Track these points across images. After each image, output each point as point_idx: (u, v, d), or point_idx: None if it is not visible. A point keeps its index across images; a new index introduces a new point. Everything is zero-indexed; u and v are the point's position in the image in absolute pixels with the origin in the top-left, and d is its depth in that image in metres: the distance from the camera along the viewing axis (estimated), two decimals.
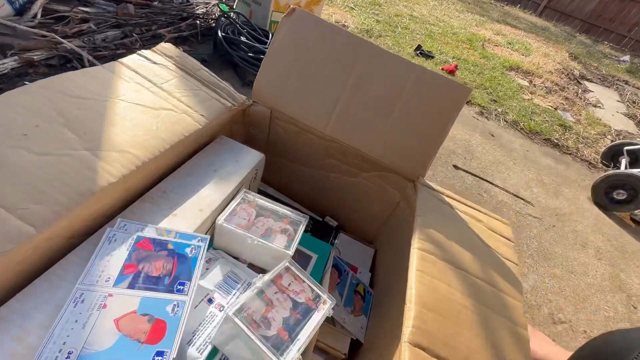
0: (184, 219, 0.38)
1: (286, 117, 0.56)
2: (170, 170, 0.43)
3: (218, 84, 0.53)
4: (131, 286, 0.30)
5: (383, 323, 0.50)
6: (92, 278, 0.29)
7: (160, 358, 0.27)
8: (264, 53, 1.40)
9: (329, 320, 0.50)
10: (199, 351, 0.30)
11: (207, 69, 0.54)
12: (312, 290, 0.35)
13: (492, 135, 1.61)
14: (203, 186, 0.42)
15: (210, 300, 0.35)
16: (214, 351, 0.31)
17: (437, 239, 0.43)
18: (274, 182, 0.67)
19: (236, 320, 0.27)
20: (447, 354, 0.32)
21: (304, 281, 0.36)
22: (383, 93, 0.51)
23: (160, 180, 0.41)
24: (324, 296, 0.35)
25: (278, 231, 0.41)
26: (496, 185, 1.27)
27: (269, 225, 0.41)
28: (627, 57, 4.33)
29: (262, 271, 0.40)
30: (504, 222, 0.49)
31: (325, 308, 0.34)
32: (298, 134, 0.58)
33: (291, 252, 0.39)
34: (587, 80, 3.21)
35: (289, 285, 0.34)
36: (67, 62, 1.06)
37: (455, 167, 1.27)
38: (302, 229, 0.43)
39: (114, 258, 0.31)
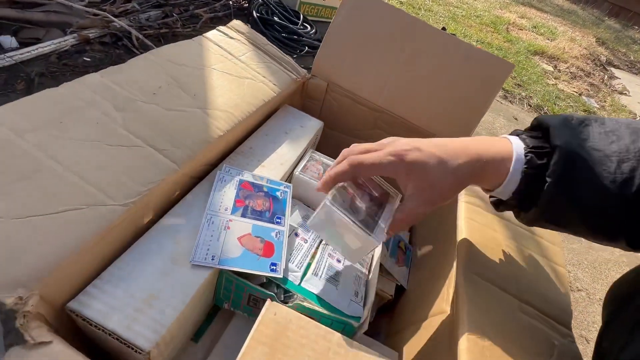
0: (270, 169, 0.45)
1: (341, 90, 0.62)
2: (252, 130, 0.50)
3: (283, 58, 0.59)
4: (243, 215, 0.38)
5: (422, 274, 0.57)
6: (215, 207, 0.37)
7: (274, 267, 0.35)
8: (296, 33, 1.45)
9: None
10: (298, 267, 0.38)
11: (273, 45, 0.60)
12: (382, 187, 0.41)
13: (516, 119, 1.64)
14: (279, 145, 0.50)
15: (296, 234, 0.42)
16: (308, 266, 0.38)
17: (481, 194, 0.49)
18: (322, 150, 0.74)
19: (333, 207, 0.32)
20: (495, 279, 0.38)
21: (373, 180, 0.41)
22: (432, 67, 0.57)
23: (245, 138, 0.49)
24: (391, 192, 0.41)
25: None
26: None
27: None
28: None
29: None
30: None
31: (396, 199, 0.39)
32: (351, 106, 0.64)
33: None
34: (614, 66, 3.13)
35: (363, 183, 0.40)
36: (118, 40, 1.13)
37: None
38: None
39: (226, 194, 0.39)
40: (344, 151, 0.35)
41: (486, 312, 0.35)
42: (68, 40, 1.03)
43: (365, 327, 0.35)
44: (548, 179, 0.29)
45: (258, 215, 0.39)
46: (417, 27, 0.57)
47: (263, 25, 1.39)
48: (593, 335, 0.79)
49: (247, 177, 0.42)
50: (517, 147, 0.31)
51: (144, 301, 0.28)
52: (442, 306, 0.42)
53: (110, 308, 0.27)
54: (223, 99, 0.45)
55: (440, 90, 0.58)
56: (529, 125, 0.35)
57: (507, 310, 0.37)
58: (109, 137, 0.34)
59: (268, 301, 0.33)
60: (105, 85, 0.37)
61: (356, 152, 0.33)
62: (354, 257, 0.37)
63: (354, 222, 0.32)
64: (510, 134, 0.34)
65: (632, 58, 3.47)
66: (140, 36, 1.13)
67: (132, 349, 0.26)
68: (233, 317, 0.40)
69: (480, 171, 0.32)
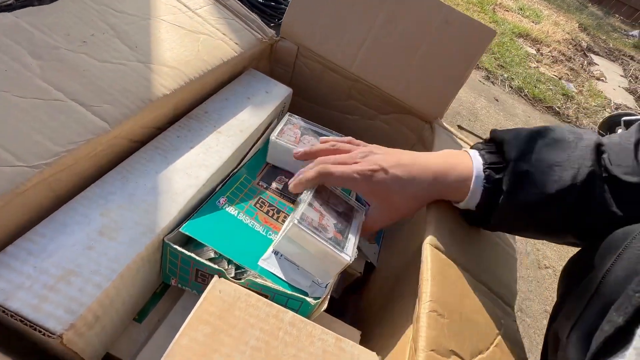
0: (227, 136, 0.41)
1: (313, 55, 0.57)
2: (210, 93, 0.45)
3: (248, 15, 0.53)
4: None
5: (393, 251, 0.55)
6: None
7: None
8: (275, 0, 1.35)
9: None
10: None
11: (237, 0, 0.54)
12: (347, 202, 0.39)
13: (497, 100, 1.63)
14: (240, 111, 0.45)
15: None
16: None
17: None
18: None
19: (301, 227, 0.31)
20: (457, 257, 0.37)
21: (338, 196, 0.40)
22: (410, 31, 0.53)
23: (200, 101, 0.44)
24: (355, 206, 0.39)
25: None
26: None
27: (313, 142, 0.45)
28: (636, 32, 4.24)
29: None
30: None
31: (361, 213, 0.39)
32: (323, 73, 0.59)
33: None
34: (594, 53, 3.18)
35: (328, 198, 0.38)
36: None
37: (460, 127, 1.30)
38: None
39: None
40: (320, 158, 0.38)
41: (447, 289, 0.34)
42: None
43: (324, 305, 0.32)
44: (504, 188, 0.33)
45: None
46: None
47: None
48: None
49: None
50: (476, 164, 0.35)
51: (59, 278, 0.24)
52: (411, 285, 0.40)
53: (14, 287, 0.23)
54: (171, 53, 0.39)
55: (418, 57, 0.54)
56: (488, 137, 0.39)
57: (466, 288, 0.36)
58: (20, 87, 0.28)
59: (215, 277, 0.29)
60: (20, 27, 0.31)
61: (330, 162, 0.37)
62: (325, 276, 0.35)
63: (324, 241, 0.32)
64: (471, 148, 0.38)
65: (611, 45, 3.52)
66: None
67: (42, 332, 0.22)
68: (182, 295, 0.36)
69: (443, 190, 0.36)
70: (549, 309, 0.81)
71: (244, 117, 0.44)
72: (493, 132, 0.37)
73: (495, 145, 0.36)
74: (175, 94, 0.37)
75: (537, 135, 0.34)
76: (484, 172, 0.34)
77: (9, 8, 0.84)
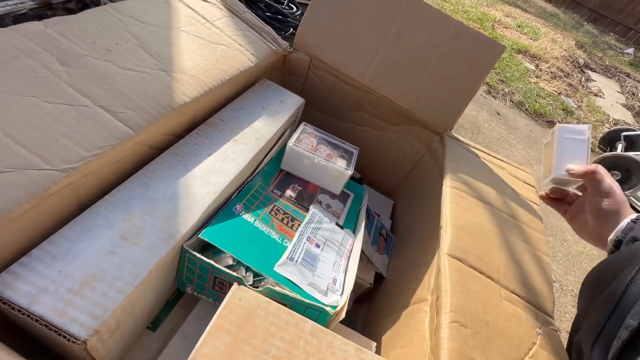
0: (243, 144, 0.41)
1: (325, 66, 0.58)
2: (226, 102, 0.46)
3: (262, 27, 0.55)
4: None
5: (402, 262, 0.55)
6: None
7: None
8: (281, 13, 1.39)
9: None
10: None
11: (251, 13, 0.55)
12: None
13: (498, 114, 1.65)
14: (255, 120, 0.46)
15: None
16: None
17: (467, 180, 0.47)
18: None
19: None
20: (480, 266, 0.37)
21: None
22: (421, 45, 0.54)
23: (217, 109, 0.44)
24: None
25: (337, 156, 0.47)
26: (501, 160, 1.32)
27: (329, 151, 0.46)
28: (631, 50, 4.34)
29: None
30: (526, 171, 0.53)
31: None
32: (334, 84, 0.60)
33: (350, 171, 0.46)
34: (591, 69, 3.24)
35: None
36: (84, 7, 1.04)
37: None
38: (355, 156, 0.49)
39: None
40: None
41: (469, 299, 0.33)
42: (26, 3, 0.93)
43: (342, 315, 0.32)
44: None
45: None
46: (407, 0, 0.53)
47: (247, 3, 1.32)
48: (565, 325, 0.80)
49: None
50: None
51: (83, 283, 0.24)
52: (422, 294, 0.40)
53: (39, 290, 0.23)
54: (192, 62, 0.40)
55: (428, 70, 0.55)
56: None
57: (491, 298, 0.35)
58: (49, 93, 0.29)
59: (235, 285, 0.29)
60: (49, 36, 0.32)
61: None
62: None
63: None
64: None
65: (607, 62, 3.60)
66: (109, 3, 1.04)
67: (66, 338, 0.22)
68: (197, 304, 0.36)
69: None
70: (557, 324, 0.80)
71: (259, 126, 0.45)
72: None
73: None
74: (195, 102, 0.37)
75: None
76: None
77: (24, 17, 0.85)
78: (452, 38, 0.53)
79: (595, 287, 0.34)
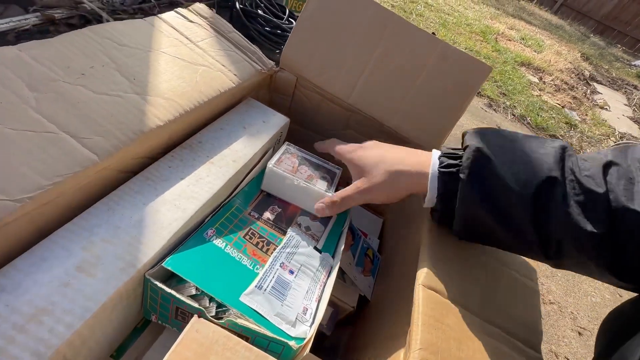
0: (219, 167, 0.41)
1: (311, 85, 0.58)
2: (205, 124, 0.46)
3: (248, 47, 0.55)
4: None
5: (389, 284, 0.54)
6: None
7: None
8: (281, 28, 1.40)
9: (340, 277, 0.54)
10: None
11: (238, 32, 0.55)
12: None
13: (499, 128, 1.64)
14: (235, 140, 0.45)
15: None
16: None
17: None
18: None
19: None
20: (458, 297, 0.35)
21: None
22: (407, 65, 0.54)
23: (196, 131, 0.44)
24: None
25: (318, 178, 0.47)
26: None
27: (310, 173, 0.46)
28: (638, 62, 4.30)
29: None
30: None
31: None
32: (320, 103, 0.60)
33: (330, 193, 0.45)
34: (597, 81, 3.21)
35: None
36: (87, 23, 1.06)
37: None
38: (338, 176, 0.49)
39: None
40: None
41: (443, 335, 0.32)
42: (30, 19, 0.96)
43: (307, 350, 0.31)
44: (461, 176, 0.32)
45: None
46: (393, 21, 0.53)
47: (246, 18, 1.34)
48: (563, 350, 0.77)
49: None
50: (434, 154, 0.36)
51: (30, 317, 0.23)
52: (403, 326, 0.39)
53: None
54: (168, 85, 0.40)
55: (414, 90, 0.54)
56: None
57: (469, 332, 0.34)
58: (14, 120, 0.29)
59: (194, 317, 0.28)
60: (21, 60, 0.32)
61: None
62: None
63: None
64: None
65: (613, 74, 3.56)
66: (111, 20, 1.06)
67: None
68: (164, 330, 0.35)
69: (407, 173, 0.38)
70: (555, 348, 0.77)
71: (238, 147, 0.45)
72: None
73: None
74: (169, 125, 0.37)
75: (501, 130, 0.35)
76: (439, 159, 0.35)
77: (27, 33, 0.87)
78: (438, 58, 0.53)
79: (615, 330, 0.32)
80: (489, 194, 0.31)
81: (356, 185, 0.42)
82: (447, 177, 0.34)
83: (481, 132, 0.35)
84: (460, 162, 0.33)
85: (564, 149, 0.32)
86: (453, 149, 0.37)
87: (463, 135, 0.38)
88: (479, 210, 0.32)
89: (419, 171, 0.36)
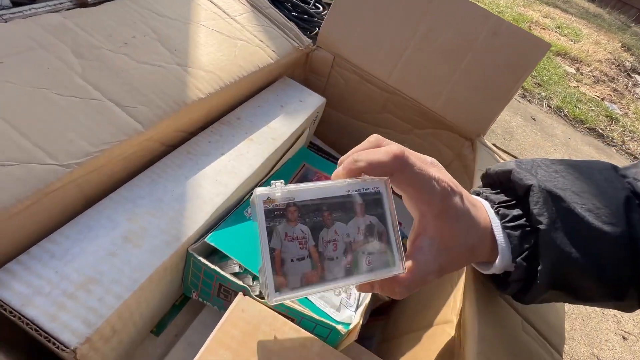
0: (258, 143, 0.39)
1: (349, 65, 0.55)
2: (243, 100, 0.44)
3: (285, 23, 0.53)
4: None
5: None
6: None
7: None
8: (307, 13, 1.37)
9: None
10: None
11: (275, 8, 0.53)
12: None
13: (534, 119, 1.55)
14: (272, 119, 0.44)
15: None
16: None
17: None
18: (322, 133, 0.68)
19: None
20: None
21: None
22: (453, 42, 0.50)
23: (233, 108, 0.43)
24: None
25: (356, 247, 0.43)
26: None
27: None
28: None
29: None
30: None
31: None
32: (358, 84, 0.58)
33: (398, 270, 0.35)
34: (639, 74, 2.99)
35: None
36: None
37: (494, 145, 1.24)
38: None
39: None
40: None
41: (494, 328, 0.29)
42: (65, 3, 0.97)
43: (355, 336, 0.29)
44: (540, 227, 0.24)
45: None
46: None
47: (273, 3, 1.32)
48: (606, 355, 0.72)
49: None
50: (487, 207, 0.27)
51: (79, 285, 0.23)
52: (447, 314, 0.36)
53: (33, 291, 0.22)
54: (209, 58, 0.38)
55: (460, 70, 0.51)
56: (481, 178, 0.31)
57: (512, 328, 0.31)
58: (60, 85, 0.28)
59: (239, 295, 0.27)
60: (66, 27, 0.31)
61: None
62: None
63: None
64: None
65: None
66: None
67: (55, 345, 0.21)
68: (203, 309, 0.34)
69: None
70: (597, 352, 0.72)
71: (276, 125, 0.43)
72: (486, 170, 0.30)
73: (489, 184, 0.30)
74: (209, 98, 0.36)
75: (539, 164, 0.27)
76: (495, 210, 0.27)
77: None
78: (489, 35, 0.49)
79: None
80: (573, 238, 0.24)
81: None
82: (518, 231, 0.26)
83: (525, 167, 0.27)
84: (518, 210, 0.26)
85: (615, 169, 0.27)
86: (492, 192, 0.29)
87: (485, 175, 0.30)
88: (569, 259, 0.25)
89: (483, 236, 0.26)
